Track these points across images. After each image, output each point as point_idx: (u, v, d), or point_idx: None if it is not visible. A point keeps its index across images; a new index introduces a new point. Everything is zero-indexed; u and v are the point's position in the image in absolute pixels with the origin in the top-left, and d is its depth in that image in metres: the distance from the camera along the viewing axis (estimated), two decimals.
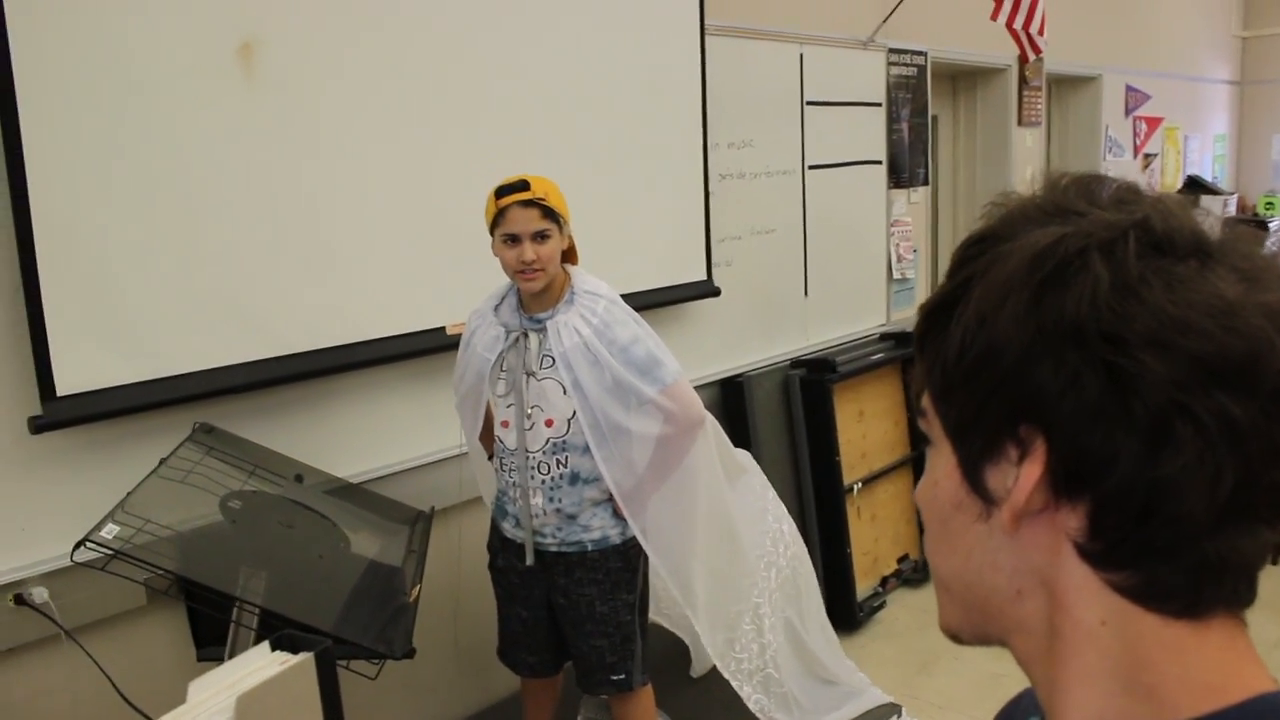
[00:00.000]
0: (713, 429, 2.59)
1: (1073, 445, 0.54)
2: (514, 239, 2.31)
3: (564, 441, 2.39)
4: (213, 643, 2.22)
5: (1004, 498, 0.57)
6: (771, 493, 3.04)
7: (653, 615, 2.80)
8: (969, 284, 0.58)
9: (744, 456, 2.98)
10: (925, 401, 0.62)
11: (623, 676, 2.53)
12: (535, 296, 2.38)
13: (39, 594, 2.22)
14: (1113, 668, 0.56)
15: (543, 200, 2.31)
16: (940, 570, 0.64)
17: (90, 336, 2.26)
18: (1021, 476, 0.56)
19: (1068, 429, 0.54)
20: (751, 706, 2.77)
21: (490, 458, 2.64)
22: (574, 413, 2.36)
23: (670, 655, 3.35)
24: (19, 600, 2.21)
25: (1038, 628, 0.59)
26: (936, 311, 0.60)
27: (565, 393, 2.35)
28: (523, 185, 2.31)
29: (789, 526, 3.03)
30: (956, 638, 0.65)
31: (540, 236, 2.31)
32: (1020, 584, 0.59)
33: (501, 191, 2.32)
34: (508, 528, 2.53)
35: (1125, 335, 0.52)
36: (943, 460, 0.61)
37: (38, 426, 2.18)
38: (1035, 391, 0.54)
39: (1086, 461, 0.54)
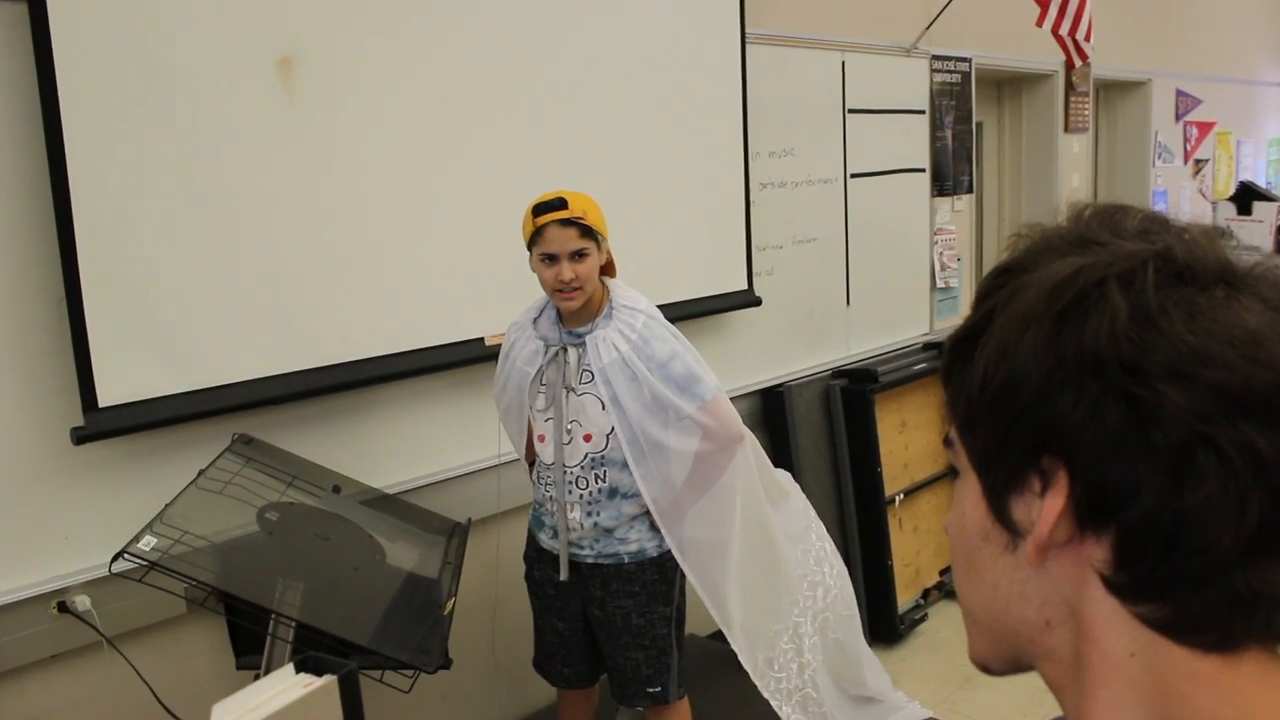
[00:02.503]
0: (752, 446, 2.56)
1: (1095, 477, 0.53)
2: (552, 258, 2.29)
3: (603, 457, 2.38)
4: (252, 651, 2.24)
5: (1029, 529, 0.57)
6: (813, 511, 3.01)
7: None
8: (991, 316, 0.59)
9: (784, 477, 2.95)
10: (952, 432, 0.63)
11: (659, 689, 2.51)
12: (574, 311, 2.37)
13: (81, 602, 2.25)
14: (1143, 700, 0.55)
15: (581, 219, 2.29)
16: (968, 600, 0.64)
17: (131, 348, 2.28)
18: (1044, 508, 0.55)
19: (1089, 460, 0.53)
20: None
21: (531, 467, 2.64)
22: (612, 428, 2.35)
23: (708, 667, 3.33)
24: (62, 608, 2.24)
25: (1067, 657, 0.58)
26: (961, 344, 0.61)
27: (604, 408, 2.34)
28: (560, 203, 2.28)
29: (831, 545, 3.00)
30: (986, 668, 0.65)
31: (578, 255, 2.29)
32: (1049, 615, 0.58)
33: (539, 209, 2.30)
34: (544, 539, 2.52)
35: (1145, 366, 0.52)
36: (969, 491, 0.61)
37: (80, 437, 2.20)
38: (1056, 422, 0.54)
39: (1109, 493, 0.53)
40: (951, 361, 0.62)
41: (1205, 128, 7.32)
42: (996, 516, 0.59)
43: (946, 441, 0.64)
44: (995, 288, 0.60)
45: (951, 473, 4.69)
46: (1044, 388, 0.54)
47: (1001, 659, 0.63)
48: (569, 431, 2.38)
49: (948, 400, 0.62)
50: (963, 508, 0.62)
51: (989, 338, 0.58)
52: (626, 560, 2.44)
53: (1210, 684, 0.54)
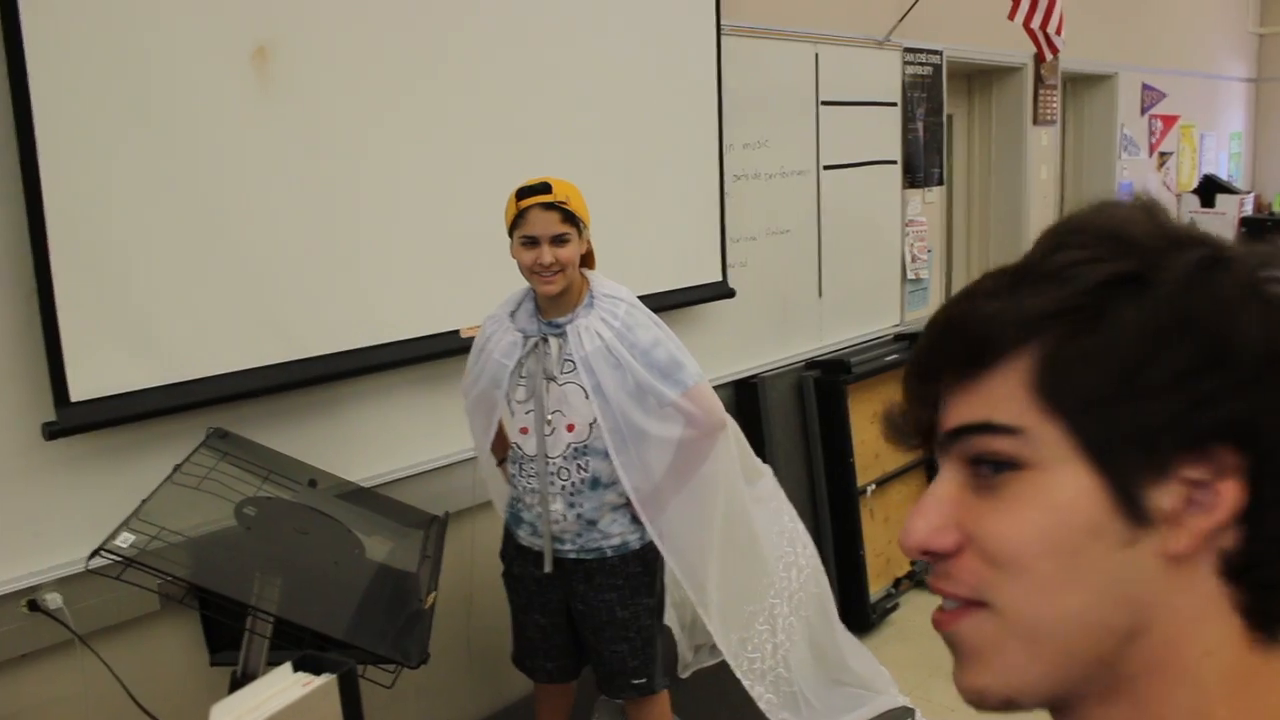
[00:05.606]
0: (734, 432, 2.57)
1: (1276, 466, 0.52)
2: (533, 241, 2.29)
3: (585, 446, 2.38)
4: (226, 648, 2.21)
5: (1166, 519, 0.53)
6: (782, 492, 3.04)
7: None
8: (1112, 289, 0.54)
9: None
10: (1028, 418, 0.56)
11: (644, 680, 2.52)
12: (553, 301, 2.36)
13: (53, 600, 2.21)
14: (1211, 700, 0.54)
15: (564, 204, 2.29)
16: (1046, 613, 0.55)
17: (104, 341, 2.25)
18: (1224, 496, 0.53)
19: (1275, 450, 0.52)
20: (762, 706, 2.77)
21: (500, 464, 2.63)
22: (595, 418, 2.34)
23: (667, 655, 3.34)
24: (33, 606, 2.20)
25: (1133, 676, 0.55)
26: (1075, 315, 0.55)
27: (587, 397, 2.33)
28: (544, 188, 2.29)
29: (801, 526, 3.03)
30: (1011, 704, 0.57)
31: (560, 240, 2.29)
32: (1138, 620, 0.55)
33: (523, 193, 2.30)
34: (523, 535, 2.51)
35: None
36: (1066, 483, 0.55)
37: (51, 432, 2.17)
38: (1250, 412, 0.52)
39: None
40: (1063, 336, 0.55)
41: (1169, 121, 7.40)
42: (1127, 508, 0.54)
43: (1001, 429, 0.56)
44: (1102, 257, 0.55)
45: (922, 463, 4.67)
46: (1253, 373, 0.52)
47: (1049, 686, 0.56)
48: (550, 422, 2.38)
49: (1044, 383, 0.55)
50: (1054, 503, 0.55)
51: (1156, 313, 0.53)
52: (609, 554, 2.44)
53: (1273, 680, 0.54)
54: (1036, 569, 0.55)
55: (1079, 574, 0.55)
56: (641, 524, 2.44)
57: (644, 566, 2.48)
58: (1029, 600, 0.56)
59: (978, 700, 0.58)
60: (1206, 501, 0.53)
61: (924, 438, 0.63)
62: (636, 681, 2.51)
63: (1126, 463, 0.54)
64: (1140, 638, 0.55)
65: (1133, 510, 0.54)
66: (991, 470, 0.57)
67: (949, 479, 0.59)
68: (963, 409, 0.58)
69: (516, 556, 2.55)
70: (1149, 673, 0.55)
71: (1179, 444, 0.53)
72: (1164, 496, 0.54)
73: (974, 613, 0.57)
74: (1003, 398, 0.56)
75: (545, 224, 2.27)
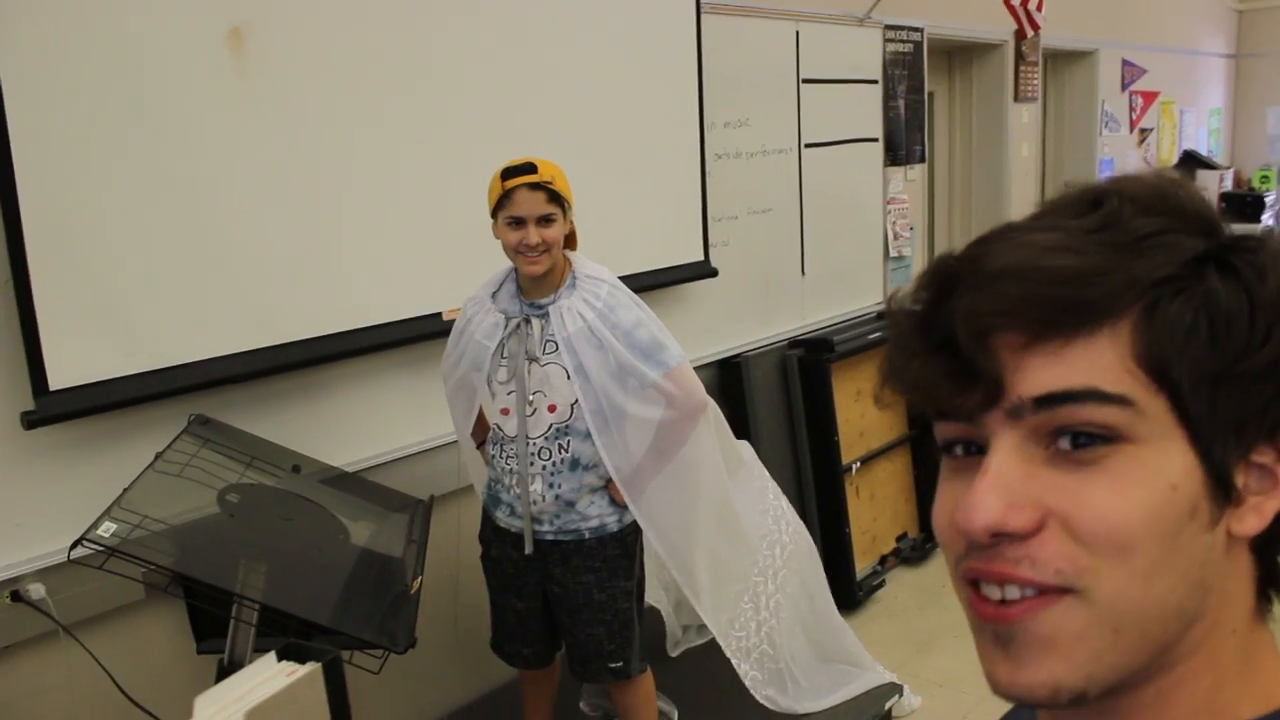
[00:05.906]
0: (714, 415, 2.58)
1: None
2: (519, 221, 2.28)
3: (567, 427, 2.38)
4: (212, 635, 2.20)
5: (1235, 501, 0.53)
6: (766, 471, 3.05)
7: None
8: (1203, 264, 0.52)
9: (742, 446, 2.98)
10: (1132, 388, 0.52)
11: (620, 664, 2.52)
12: (536, 282, 2.36)
13: (36, 590, 2.20)
14: (1232, 677, 0.54)
15: (550, 184, 2.29)
16: (1140, 600, 0.52)
17: (83, 329, 2.23)
18: None
19: None
20: (747, 683, 2.79)
21: (479, 446, 2.62)
22: (576, 398, 2.34)
23: (653, 634, 3.35)
24: (15, 597, 2.18)
25: (1180, 658, 0.54)
26: (1176, 285, 0.52)
27: (569, 377, 2.33)
28: (530, 168, 2.28)
29: (785, 502, 3.05)
30: (1082, 698, 0.52)
31: (545, 220, 2.28)
32: (1199, 605, 0.53)
33: (508, 173, 2.29)
34: (501, 517, 2.51)
35: None
36: (1175, 461, 0.51)
37: (30, 422, 2.15)
38: None
39: None
40: (1168, 306, 0.52)
41: (1150, 97, 7.41)
42: (1217, 489, 0.52)
43: (1121, 400, 0.51)
44: (1204, 239, 0.53)
45: (907, 440, 4.68)
46: None
47: (1117, 676, 0.53)
48: (532, 403, 2.37)
49: (1153, 354, 0.51)
50: (1166, 481, 0.51)
51: (1263, 299, 0.52)
52: (587, 536, 2.44)
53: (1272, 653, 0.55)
54: (1144, 551, 0.51)
55: (1175, 556, 0.51)
56: (620, 507, 2.44)
57: (622, 549, 2.48)
58: (1129, 585, 0.51)
59: (1049, 696, 0.52)
60: (1264, 486, 0.53)
61: (978, 403, 0.54)
62: (613, 665, 2.50)
63: (1222, 444, 0.52)
64: (1197, 621, 0.53)
65: (1223, 492, 0.52)
66: (1071, 443, 0.52)
67: (1013, 450, 0.53)
68: (1047, 374, 0.52)
69: (495, 538, 2.55)
70: (1188, 656, 0.54)
71: (1260, 429, 0.52)
72: (1239, 479, 0.53)
73: (1057, 600, 0.52)
74: (1107, 365, 0.51)
75: (532, 204, 2.27)
